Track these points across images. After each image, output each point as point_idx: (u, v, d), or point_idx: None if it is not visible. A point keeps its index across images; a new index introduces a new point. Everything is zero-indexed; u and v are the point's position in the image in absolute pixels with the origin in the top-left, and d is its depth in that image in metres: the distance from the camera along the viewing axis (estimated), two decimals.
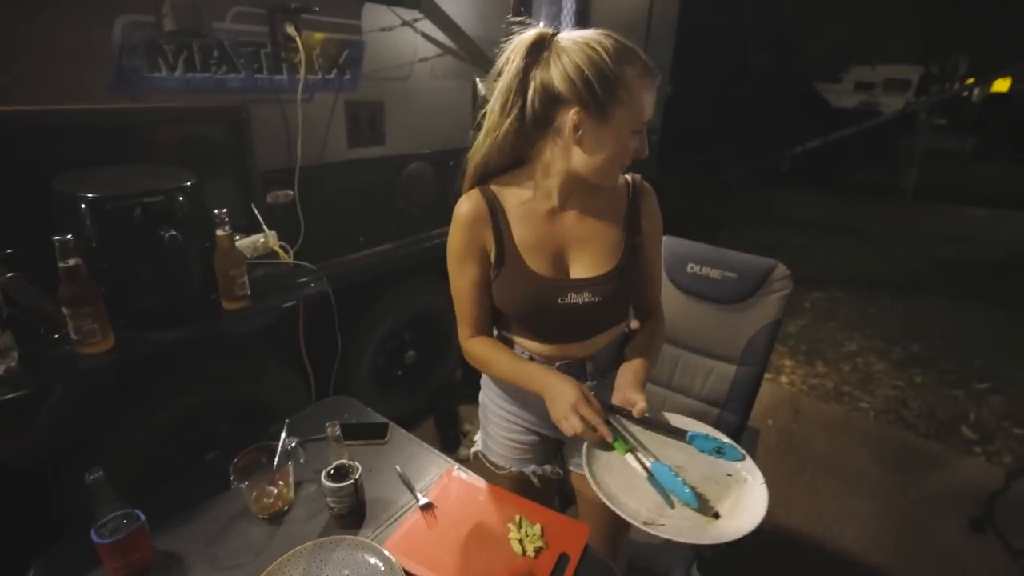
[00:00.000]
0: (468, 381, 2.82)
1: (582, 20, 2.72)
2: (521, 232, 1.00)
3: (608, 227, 1.02)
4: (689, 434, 0.98)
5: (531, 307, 1.02)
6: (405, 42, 1.96)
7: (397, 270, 2.17)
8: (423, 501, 1.07)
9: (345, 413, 1.33)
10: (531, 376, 1.02)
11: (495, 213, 1.00)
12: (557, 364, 1.07)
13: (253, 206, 1.60)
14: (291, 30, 1.57)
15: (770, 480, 0.89)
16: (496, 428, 1.24)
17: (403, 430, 1.30)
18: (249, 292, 1.37)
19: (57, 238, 1.01)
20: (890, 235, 6.07)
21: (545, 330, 1.06)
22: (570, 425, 0.93)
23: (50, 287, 1.09)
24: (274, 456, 1.05)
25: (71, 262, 1.03)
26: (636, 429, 0.99)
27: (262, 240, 1.56)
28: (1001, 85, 10.29)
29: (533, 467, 1.22)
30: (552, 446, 1.24)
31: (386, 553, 0.93)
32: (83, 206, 1.11)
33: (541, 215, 1.00)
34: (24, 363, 1.08)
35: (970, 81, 9.26)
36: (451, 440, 2.42)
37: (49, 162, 1.23)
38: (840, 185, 8.28)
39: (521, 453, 1.22)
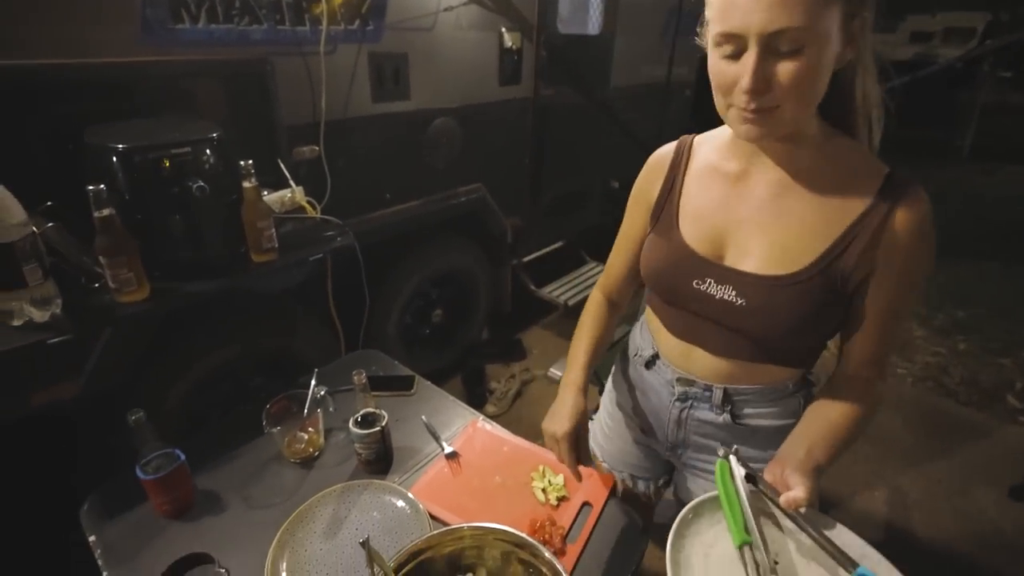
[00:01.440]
0: (495, 340, 2.84)
1: None
2: (691, 193, 0.84)
3: (813, 222, 0.72)
4: (859, 571, 0.62)
5: (662, 281, 0.86)
6: None
7: (424, 227, 2.17)
8: (448, 450, 1.09)
9: (373, 366, 1.36)
10: (567, 376, 0.96)
11: (675, 167, 0.86)
12: (676, 377, 0.91)
13: (280, 161, 1.60)
14: None
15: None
16: (604, 414, 1.14)
17: (429, 383, 1.32)
18: (277, 245, 1.38)
19: (91, 188, 1.03)
20: (940, 195, 5.72)
21: (674, 320, 0.89)
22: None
23: (86, 239, 1.12)
24: (304, 404, 1.08)
25: (105, 212, 1.06)
26: (780, 520, 0.71)
27: (289, 195, 1.57)
28: None
29: (626, 474, 1.10)
30: (661, 464, 1.08)
31: (411, 496, 0.96)
32: (114, 158, 1.12)
33: (723, 179, 0.80)
34: (67, 310, 1.13)
35: None
36: (478, 398, 2.46)
37: (81, 115, 1.25)
38: (890, 142, 7.81)
39: (622, 455, 1.10)
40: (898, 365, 2.85)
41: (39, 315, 1.07)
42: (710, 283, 0.79)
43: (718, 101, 0.69)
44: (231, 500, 0.99)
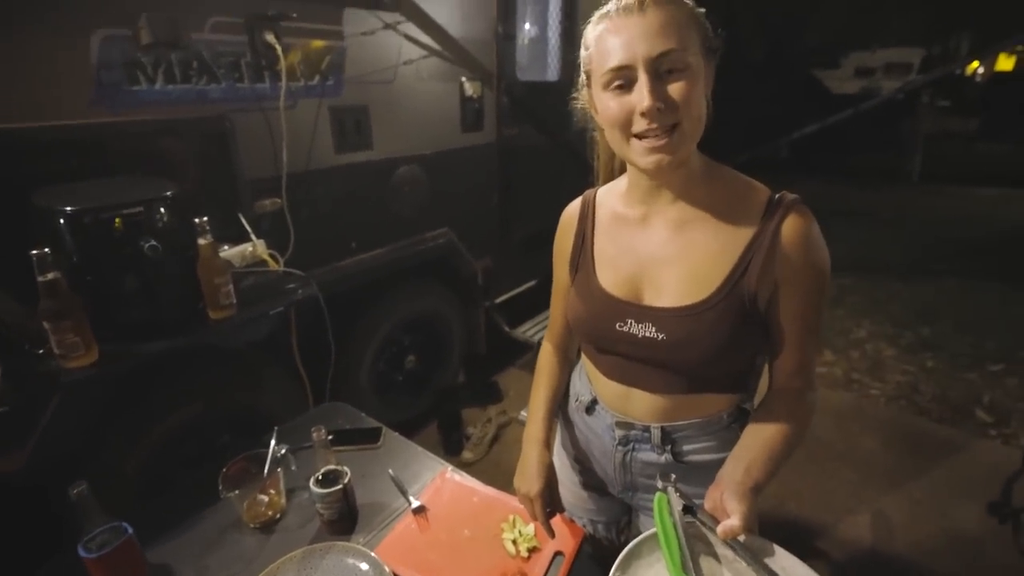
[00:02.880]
0: (470, 383, 2.80)
1: (568, 18, 2.71)
2: (603, 241, 0.88)
3: (713, 250, 0.77)
4: None
5: (588, 328, 0.89)
6: (388, 45, 1.95)
7: (391, 275, 2.16)
8: (415, 504, 1.05)
9: (338, 418, 1.32)
10: (528, 429, 0.98)
11: (584, 220, 0.92)
12: (615, 420, 0.92)
13: (240, 215, 1.59)
14: (270, 38, 1.57)
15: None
16: (557, 462, 1.09)
17: (397, 434, 1.28)
18: (235, 300, 1.36)
19: (35, 252, 1.01)
20: (896, 219, 5.99)
21: (607, 365, 0.91)
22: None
23: (33, 304, 1.09)
24: (264, 464, 1.04)
25: (50, 276, 1.03)
26: (718, 550, 0.70)
27: (251, 249, 1.56)
28: (1005, 64, 10.15)
29: (585, 520, 1.10)
30: (618, 506, 1.07)
31: (375, 557, 0.91)
32: (61, 220, 1.10)
33: (627, 224, 0.85)
34: (9, 379, 1.08)
35: (975, 65, 9.15)
36: (454, 444, 2.40)
37: (30, 178, 1.23)
38: (844, 170, 8.19)
39: (578, 500, 1.09)
40: (871, 386, 2.89)
41: None
42: (631, 323, 0.82)
43: (616, 140, 0.74)
44: (185, 573, 0.93)
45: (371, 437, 1.25)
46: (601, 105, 0.74)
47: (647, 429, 0.89)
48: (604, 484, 1.03)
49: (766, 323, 0.79)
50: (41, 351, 1.14)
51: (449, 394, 2.64)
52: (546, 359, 1.05)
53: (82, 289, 1.11)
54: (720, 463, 0.81)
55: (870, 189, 7.24)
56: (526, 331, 2.85)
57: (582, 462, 1.05)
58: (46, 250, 1.02)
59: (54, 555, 0.94)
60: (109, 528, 0.87)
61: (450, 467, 1.16)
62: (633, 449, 0.92)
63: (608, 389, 0.92)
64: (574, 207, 0.95)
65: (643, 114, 0.68)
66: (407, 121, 2.09)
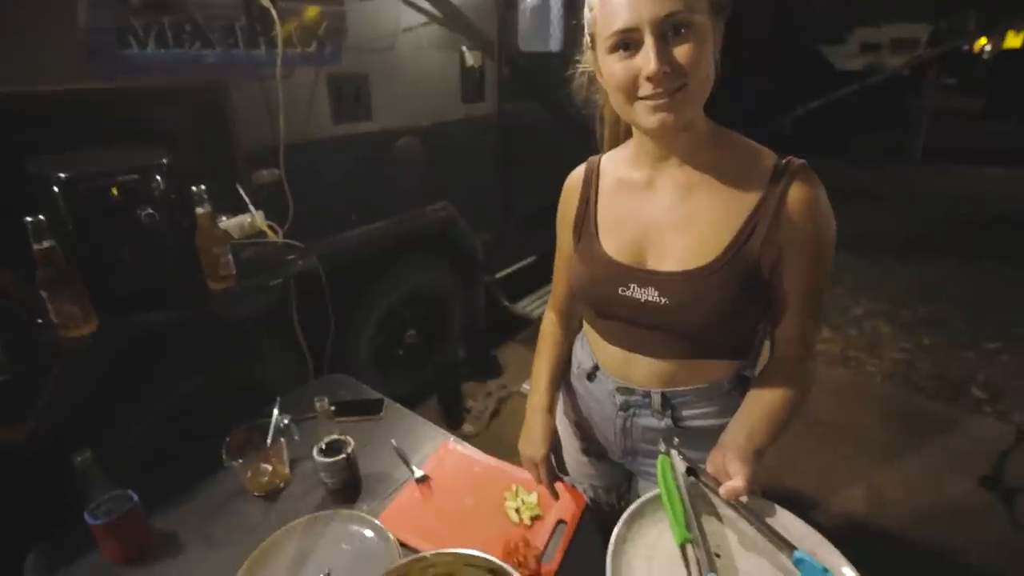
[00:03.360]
0: (470, 358, 2.81)
1: None
2: (606, 207, 0.88)
3: (719, 215, 0.76)
4: (797, 555, 0.63)
5: (590, 293, 0.88)
6: (388, 11, 1.90)
7: (391, 247, 2.14)
8: (418, 474, 1.06)
9: (341, 390, 1.32)
10: (531, 399, 1.00)
11: (588, 185, 0.91)
12: (616, 386, 0.92)
13: (238, 186, 1.56)
14: (265, 1, 1.52)
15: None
16: (561, 428, 1.10)
17: (399, 405, 1.28)
18: (235, 271, 1.34)
19: (29, 220, 0.99)
20: (897, 196, 5.96)
21: (609, 330, 0.91)
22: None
23: (28, 273, 1.07)
24: (267, 434, 1.04)
25: (45, 244, 1.01)
26: (720, 510, 0.71)
27: (249, 220, 1.54)
28: (1014, 40, 9.97)
29: (587, 485, 1.11)
30: (619, 472, 1.08)
31: (379, 525, 0.92)
32: (56, 187, 1.08)
33: (632, 189, 0.85)
34: (7, 350, 1.07)
35: (982, 41, 8.99)
36: (455, 418, 2.42)
37: (22, 145, 1.20)
38: (846, 148, 8.12)
39: (579, 466, 1.10)
40: (868, 363, 2.91)
41: None
42: (633, 287, 0.82)
43: (621, 103, 0.73)
44: (190, 540, 0.94)
45: (373, 409, 1.25)
46: (606, 69, 0.72)
47: (647, 394, 0.89)
48: (605, 450, 1.04)
49: (769, 289, 0.78)
50: (40, 321, 1.13)
51: (449, 368, 2.65)
52: (549, 328, 1.06)
53: (79, 258, 1.09)
54: (720, 429, 0.82)
55: (872, 167, 7.17)
56: (526, 306, 2.85)
57: (583, 428, 1.06)
58: (40, 217, 1.00)
59: (59, 524, 0.94)
60: (114, 496, 0.87)
61: (452, 437, 1.17)
62: (634, 415, 0.93)
63: (609, 355, 0.93)
64: (578, 173, 0.94)
65: (648, 78, 0.67)
66: (407, 91, 2.05)
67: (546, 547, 0.91)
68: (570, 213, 0.93)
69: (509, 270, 2.93)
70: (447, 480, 1.05)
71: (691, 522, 0.66)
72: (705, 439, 0.85)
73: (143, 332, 1.22)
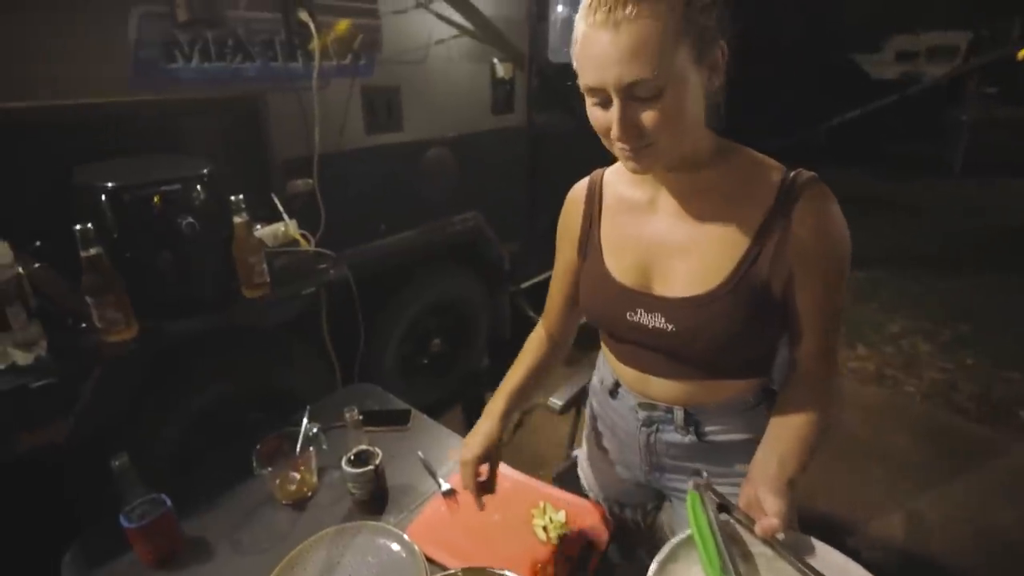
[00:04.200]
0: (496, 368, 2.80)
1: None
2: (611, 226, 0.85)
3: (723, 236, 0.73)
4: None
5: (598, 316, 0.87)
6: (420, 24, 1.92)
7: (420, 257, 2.16)
8: (445, 487, 1.05)
9: (368, 400, 1.33)
10: (489, 403, 0.95)
11: (591, 202, 0.88)
12: (638, 402, 0.90)
13: (273, 195, 1.60)
14: (304, 16, 1.56)
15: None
16: (586, 445, 1.10)
17: (426, 416, 1.28)
18: (268, 279, 1.37)
19: (78, 227, 1.02)
20: (934, 210, 5.76)
21: (621, 351, 0.90)
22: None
23: (75, 279, 1.11)
24: (296, 443, 1.05)
25: (92, 251, 1.05)
26: (755, 548, 0.67)
27: (283, 229, 1.57)
28: None
29: (612, 502, 1.07)
30: (646, 491, 1.04)
31: (407, 539, 0.92)
32: (103, 196, 1.12)
33: (635, 209, 0.82)
34: (52, 352, 1.11)
35: None
36: None
37: (70, 155, 1.25)
38: (882, 159, 7.90)
39: (606, 484, 1.07)
40: (905, 383, 2.80)
41: (23, 357, 1.05)
42: (640, 312, 0.80)
43: (604, 140, 0.71)
44: (219, 546, 0.95)
45: (401, 419, 1.25)
46: (587, 106, 0.70)
47: (670, 410, 0.87)
48: (632, 469, 1.00)
49: (783, 308, 0.75)
50: (84, 326, 1.17)
51: (474, 377, 2.65)
52: (534, 339, 1.02)
53: (121, 265, 1.12)
54: (746, 443, 0.81)
55: (908, 180, 6.96)
56: None
57: (609, 447, 1.03)
58: (88, 225, 1.03)
59: (94, 524, 0.96)
60: (149, 500, 0.89)
61: None
62: (657, 430, 0.90)
63: (627, 373, 0.91)
64: (581, 187, 0.91)
65: (616, 138, 0.66)
66: (438, 102, 2.07)
67: (574, 567, 0.89)
68: (573, 229, 0.90)
69: (534, 280, 2.92)
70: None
71: (726, 565, 0.63)
72: (731, 453, 0.86)
73: (181, 338, 1.24)
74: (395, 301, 2.14)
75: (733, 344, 0.76)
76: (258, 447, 1.02)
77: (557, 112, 2.61)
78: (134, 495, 0.88)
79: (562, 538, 0.94)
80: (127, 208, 1.14)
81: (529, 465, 1.11)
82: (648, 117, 0.63)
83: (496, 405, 0.94)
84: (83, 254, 1.04)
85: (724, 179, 0.74)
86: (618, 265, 0.82)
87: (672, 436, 0.89)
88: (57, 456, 1.20)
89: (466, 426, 2.42)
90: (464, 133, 2.21)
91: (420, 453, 1.15)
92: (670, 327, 0.77)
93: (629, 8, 0.58)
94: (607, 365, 0.98)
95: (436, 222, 2.19)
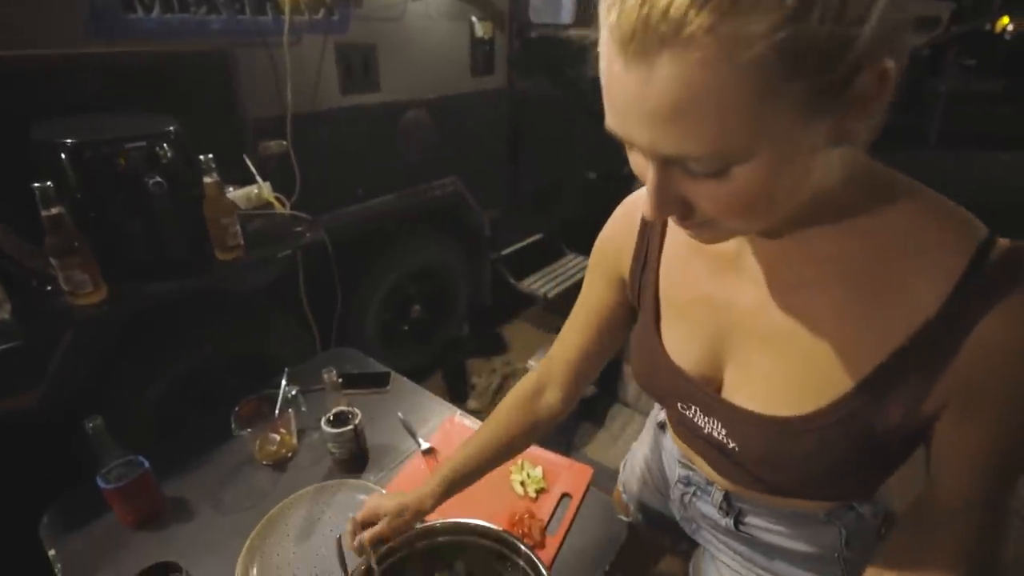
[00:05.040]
0: (475, 335, 2.82)
1: None
2: (672, 277, 0.59)
3: (845, 337, 0.47)
4: None
5: (648, 391, 0.67)
6: None
7: (398, 222, 2.13)
8: (425, 446, 1.07)
9: (347, 363, 1.33)
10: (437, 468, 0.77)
11: (650, 228, 0.60)
12: (679, 457, 0.75)
13: (245, 156, 1.55)
14: None
15: None
16: (637, 453, 0.96)
17: (405, 379, 1.29)
18: (243, 242, 1.34)
19: (37, 186, 0.98)
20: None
21: (672, 423, 0.74)
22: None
23: (37, 240, 1.07)
24: (275, 404, 1.05)
25: (54, 211, 1.01)
26: None
27: (256, 191, 1.53)
28: None
29: (638, 514, 0.94)
30: (682, 532, 0.86)
31: (386, 494, 0.93)
32: (63, 154, 1.07)
33: (710, 260, 0.55)
34: (18, 315, 1.08)
35: (1004, 21, 8.72)
36: (459, 394, 2.44)
37: (26, 110, 1.18)
38: None
39: (640, 495, 0.94)
40: None
41: None
42: (696, 411, 0.59)
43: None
44: (200, 507, 0.96)
45: (380, 381, 1.26)
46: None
47: (710, 483, 0.70)
48: (668, 504, 0.85)
49: (916, 443, 0.51)
50: (50, 288, 1.13)
51: (454, 344, 2.66)
52: (517, 397, 0.77)
53: (87, 226, 1.08)
54: (804, 556, 0.64)
55: (883, 151, 7.02)
56: (532, 284, 2.84)
57: (653, 468, 0.88)
58: (49, 183, 0.99)
59: (69, 487, 0.96)
60: (125, 461, 0.89)
61: (459, 411, 1.18)
62: (694, 494, 0.74)
63: (677, 438, 0.74)
64: (633, 209, 0.63)
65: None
66: (416, 62, 2.01)
67: (551, 519, 0.92)
68: (617, 264, 0.65)
69: (515, 247, 2.92)
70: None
71: None
72: (778, 555, 0.68)
73: (152, 300, 1.22)
74: (374, 266, 2.12)
75: (821, 483, 0.53)
76: (236, 409, 1.02)
77: (540, 75, 2.55)
78: (110, 457, 0.87)
79: (540, 492, 0.96)
80: (90, 166, 1.09)
81: None
82: (703, 198, 0.40)
83: (436, 475, 0.75)
84: (44, 213, 1.00)
85: (864, 242, 0.45)
86: (675, 337, 0.60)
87: (708, 508, 0.72)
88: (29, 420, 1.18)
89: (448, 391, 2.44)
90: (443, 95, 2.16)
91: (400, 414, 1.16)
92: (731, 444, 0.56)
93: (668, 35, 0.31)
94: None
95: (415, 187, 2.16)
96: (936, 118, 7.23)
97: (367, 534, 0.72)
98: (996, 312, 0.40)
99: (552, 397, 0.77)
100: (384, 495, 0.76)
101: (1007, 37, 10.46)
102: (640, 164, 0.41)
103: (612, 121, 0.39)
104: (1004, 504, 0.50)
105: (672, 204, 0.41)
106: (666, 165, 0.38)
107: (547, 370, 0.77)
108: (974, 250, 0.41)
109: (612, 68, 0.36)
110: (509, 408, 0.77)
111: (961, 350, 0.41)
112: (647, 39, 0.32)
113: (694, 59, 0.31)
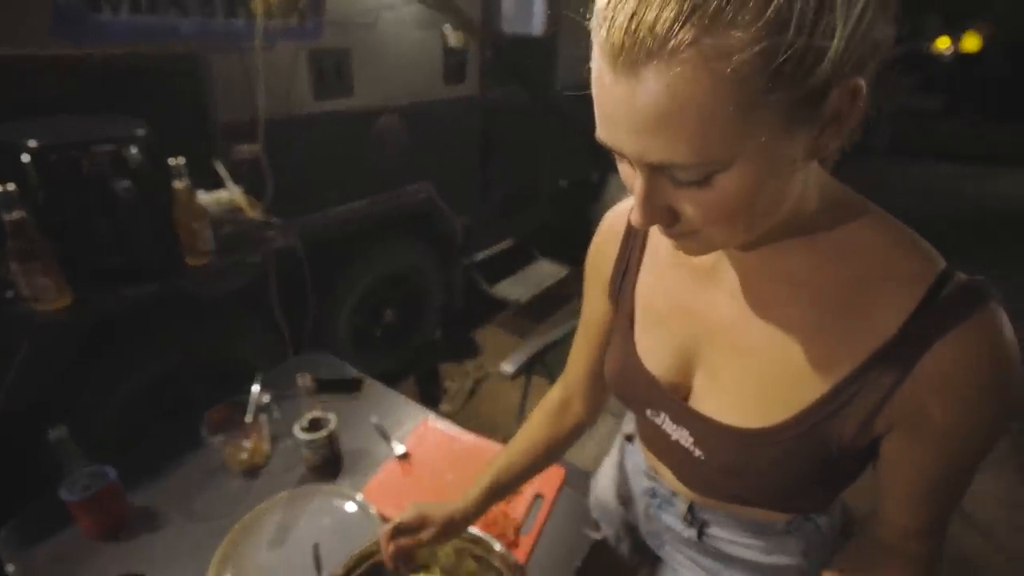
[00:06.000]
0: (448, 339, 2.83)
1: None
2: (651, 283, 0.61)
3: (809, 352, 0.49)
4: None
5: (618, 395, 0.68)
6: None
7: (371, 227, 2.13)
8: (399, 451, 1.08)
9: (320, 368, 1.32)
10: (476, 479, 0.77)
11: (632, 238, 0.63)
12: (645, 468, 0.76)
13: (217, 161, 1.53)
14: None
15: None
16: (608, 463, 0.95)
17: (378, 383, 1.30)
18: (214, 247, 1.32)
19: None
20: (864, 192, 6.15)
21: (640, 432, 0.75)
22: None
23: None
24: (246, 411, 1.04)
25: (15, 215, 0.98)
26: None
27: (227, 196, 1.51)
28: (971, 44, 10.33)
29: (610, 532, 0.92)
30: (646, 549, 0.87)
31: (361, 499, 0.94)
32: (26, 157, 1.04)
33: (686, 271, 0.58)
34: None
35: (945, 43, 9.30)
36: (432, 398, 2.44)
37: None
38: None
39: (606, 508, 0.92)
40: None
41: None
42: (664, 418, 0.60)
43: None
44: (170, 516, 0.94)
45: (353, 386, 1.26)
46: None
47: (674, 495, 0.71)
48: (634, 516, 0.85)
49: (867, 462, 0.53)
50: (11, 295, 1.10)
51: (426, 349, 2.67)
52: (543, 413, 0.80)
53: (51, 231, 1.06)
54: (765, 568, 0.66)
55: (838, 162, 7.37)
56: (504, 289, 2.88)
57: (619, 482, 0.88)
58: (11, 186, 0.96)
59: (33, 499, 0.93)
60: (91, 472, 0.87)
61: (432, 415, 1.19)
62: (659, 506, 0.75)
63: (645, 448, 0.75)
64: (620, 216, 0.65)
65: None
66: (389, 68, 2.02)
67: (524, 520, 0.94)
68: (604, 271, 0.67)
69: (488, 252, 2.95)
70: (428, 456, 1.08)
71: None
72: (741, 568, 0.70)
73: (119, 306, 1.19)
74: (346, 271, 2.11)
75: (781, 494, 0.55)
76: (207, 415, 1.01)
77: (511, 84, 2.60)
78: (75, 467, 0.85)
79: (512, 495, 0.99)
80: (55, 169, 1.06)
81: (483, 430, 1.15)
82: (688, 205, 0.41)
83: (476, 486, 0.76)
84: (5, 217, 0.97)
85: (831, 266, 0.48)
86: (649, 344, 0.61)
87: (672, 521, 0.73)
88: None
89: (420, 395, 2.44)
90: (416, 101, 2.17)
91: (374, 419, 1.16)
92: (697, 453, 0.57)
93: (655, 48, 0.34)
94: None
95: (388, 192, 2.17)
96: (884, 133, 7.65)
97: (407, 541, 0.72)
98: (947, 339, 0.42)
99: (578, 407, 0.80)
100: (424, 504, 0.75)
101: (945, 59, 11.12)
102: (628, 173, 0.44)
103: (602, 131, 0.41)
104: (941, 534, 0.54)
105: (659, 212, 0.43)
106: (653, 174, 0.41)
107: (567, 385, 0.80)
108: (933, 280, 0.44)
109: (602, 81, 0.38)
110: (539, 422, 0.80)
111: (912, 372, 0.44)
112: (635, 52, 0.34)
113: (678, 71, 0.33)
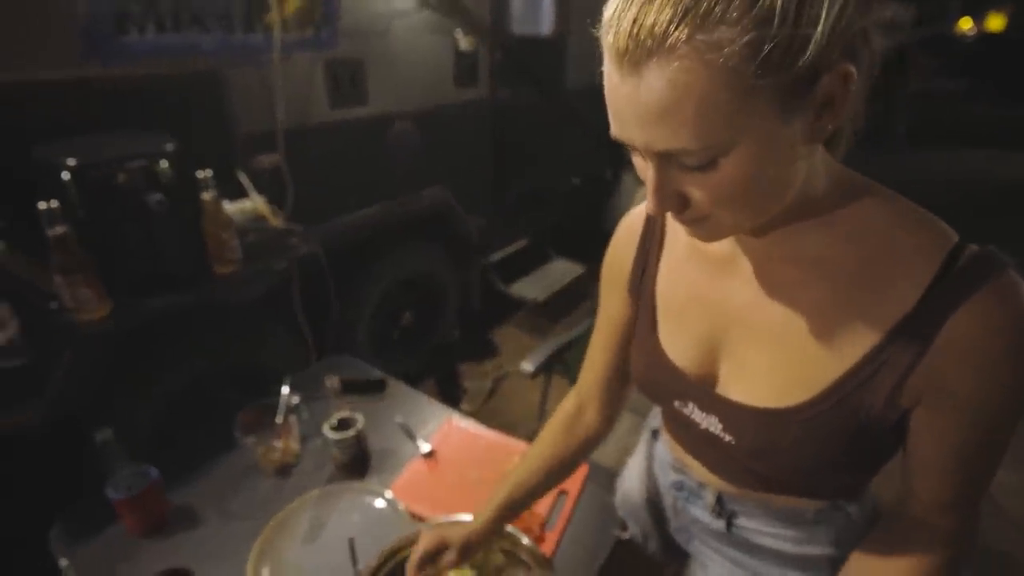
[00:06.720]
0: (466, 340, 2.87)
1: None
2: (671, 278, 0.63)
3: (831, 330, 0.50)
4: None
5: (645, 391, 0.69)
6: None
7: (388, 231, 2.17)
8: (425, 449, 1.11)
9: (344, 370, 1.35)
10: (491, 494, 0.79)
11: (649, 238, 0.65)
12: (672, 460, 0.76)
13: (238, 171, 1.58)
14: None
15: None
16: (634, 463, 0.93)
17: (402, 383, 1.33)
18: (240, 256, 1.37)
19: (43, 206, 1.01)
20: (884, 181, 6.03)
21: (665, 419, 0.76)
22: None
23: (42, 258, 1.09)
24: (276, 413, 1.08)
25: (59, 230, 1.03)
26: None
27: (250, 205, 1.56)
28: (996, 23, 10.05)
29: (634, 525, 0.90)
30: (674, 546, 0.86)
31: (390, 495, 0.98)
32: (66, 175, 1.09)
33: (705, 263, 0.60)
34: (24, 334, 1.10)
35: (968, 24, 9.06)
36: (451, 399, 2.48)
37: (28, 133, 1.20)
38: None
39: (632, 504, 0.90)
40: None
41: None
42: (692, 408, 0.62)
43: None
44: (207, 514, 0.98)
45: (377, 388, 1.30)
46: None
47: (702, 486, 0.71)
48: (662, 511, 0.85)
49: (898, 438, 0.53)
50: (55, 306, 1.15)
51: (445, 350, 2.70)
52: (559, 422, 0.81)
53: (90, 244, 1.11)
54: (795, 558, 0.66)
55: (858, 149, 7.24)
56: (520, 288, 2.90)
57: (646, 478, 0.87)
58: (54, 203, 1.01)
59: (79, 498, 0.98)
60: (134, 472, 0.91)
61: (456, 414, 1.22)
62: (687, 499, 0.75)
63: (671, 440, 0.75)
64: (637, 216, 0.67)
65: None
66: (402, 75, 2.06)
67: (549, 515, 0.96)
68: (621, 272, 0.69)
69: (503, 253, 2.97)
70: (452, 454, 1.10)
71: None
72: (771, 558, 0.69)
73: (154, 315, 1.24)
74: (364, 275, 2.15)
75: (811, 471, 0.56)
76: (240, 417, 1.04)
77: (521, 85, 2.62)
78: (119, 467, 0.90)
79: None
80: (93, 185, 1.12)
81: (503, 430, 1.17)
82: (697, 189, 0.44)
83: (490, 504, 0.77)
84: (49, 233, 1.03)
85: (845, 245, 0.49)
86: (674, 338, 0.63)
87: (700, 513, 0.73)
88: (33, 436, 1.20)
89: (440, 396, 2.48)
90: (429, 106, 2.21)
91: (399, 419, 1.20)
92: (727, 438, 0.58)
93: (654, 47, 0.37)
94: None
95: (403, 196, 2.20)
96: (904, 118, 7.47)
97: (431, 572, 0.74)
98: (964, 309, 0.44)
99: (592, 417, 0.80)
100: (441, 525, 0.76)
101: (968, 39, 10.83)
102: (641, 165, 0.47)
103: (614, 127, 0.44)
104: (970, 508, 0.54)
105: (670, 198, 0.45)
106: (663, 162, 0.44)
107: (583, 391, 0.80)
108: (946, 253, 0.45)
109: (611, 80, 0.42)
110: (552, 432, 0.80)
111: (934, 343, 0.45)
112: (637, 52, 0.38)
113: (676, 65, 0.37)
